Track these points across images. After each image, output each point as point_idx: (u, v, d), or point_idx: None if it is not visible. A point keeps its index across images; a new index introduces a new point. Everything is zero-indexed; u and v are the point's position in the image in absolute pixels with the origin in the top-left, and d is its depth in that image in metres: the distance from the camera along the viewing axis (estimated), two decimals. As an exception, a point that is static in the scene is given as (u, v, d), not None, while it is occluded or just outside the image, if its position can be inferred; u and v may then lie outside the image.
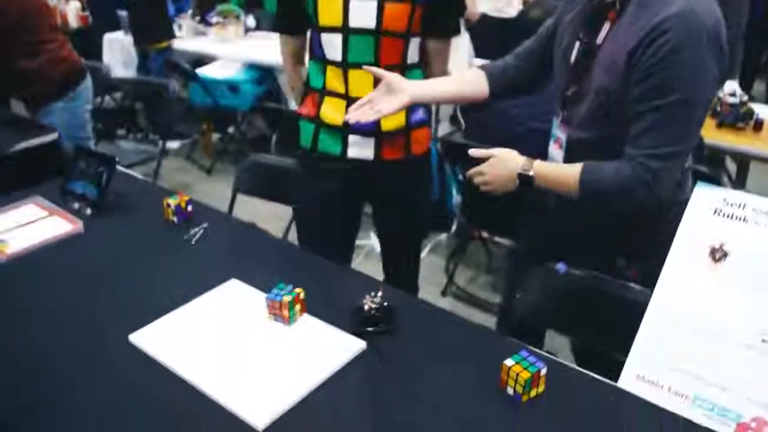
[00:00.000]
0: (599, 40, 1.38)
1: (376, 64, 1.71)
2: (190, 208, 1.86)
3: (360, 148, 1.79)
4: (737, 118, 2.92)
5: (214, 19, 4.98)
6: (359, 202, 1.97)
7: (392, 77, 1.55)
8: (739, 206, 1.25)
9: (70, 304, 1.46)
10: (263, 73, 4.49)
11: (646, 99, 1.28)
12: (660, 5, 1.27)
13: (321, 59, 1.78)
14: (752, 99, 4.11)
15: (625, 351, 1.22)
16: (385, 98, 1.53)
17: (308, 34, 1.85)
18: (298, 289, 1.37)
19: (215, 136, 5.13)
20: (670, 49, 1.24)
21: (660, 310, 1.22)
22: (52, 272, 1.60)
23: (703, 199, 1.28)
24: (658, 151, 1.29)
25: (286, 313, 1.35)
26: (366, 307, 1.33)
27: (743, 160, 3.03)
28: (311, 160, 1.87)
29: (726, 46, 1.29)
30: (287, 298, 1.35)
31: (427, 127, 1.88)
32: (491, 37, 4.49)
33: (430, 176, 1.89)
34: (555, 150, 1.53)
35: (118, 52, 5.25)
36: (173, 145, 4.89)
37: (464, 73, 1.71)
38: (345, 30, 1.70)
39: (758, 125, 2.91)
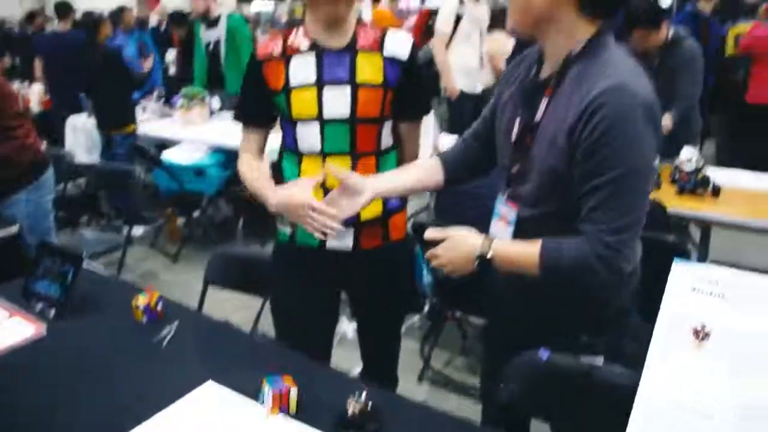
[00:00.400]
0: (538, 116, 1.41)
1: (353, 151, 1.72)
2: (159, 306, 1.80)
3: (339, 239, 1.77)
4: (696, 185, 3.00)
5: (179, 102, 5.00)
6: (337, 292, 1.94)
7: (351, 180, 1.57)
8: (717, 283, 1.25)
9: (29, 417, 1.38)
10: (229, 157, 4.49)
11: (592, 176, 1.30)
12: (593, 81, 1.30)
13: (294, 151, 1.78)
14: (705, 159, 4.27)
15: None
16: (346, 200, 1.55)
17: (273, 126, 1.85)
18: (286, 377, 1.37)
19: (180, 221, 5.07)
20: (607, 125, 1.26)
21: (649, 397, 1.20)
22: (10, 382, 1.52)
23: (681, 277, 1.28)
24: (612, 225, 1.30)
25: (293, 400, 1.35)
26: (350, 411, 1.29)
27: (705, 226, 3.10)
28: (289, 252, 1.84)
29: (659, 116, 1.33)
30: (289, 384, 1.34)
31: (403, 212, 1.88)
32: (467, 112, 4.62)
33: (408, 261, 1.88)
34: (501, 227, 1.53)
35: (82, 136, 5.23)
36: (137, 231, 4.80)
37: (422, 163, 1.73)
38: (320, 120, 1.70)
39: (716, 191, 2.99)
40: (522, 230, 1.47)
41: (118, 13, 7.02)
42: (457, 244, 1.45)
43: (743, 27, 5.66)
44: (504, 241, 1.45)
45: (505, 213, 1.52)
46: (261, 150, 1.86)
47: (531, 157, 1.42)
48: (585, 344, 1.50)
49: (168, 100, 5.44)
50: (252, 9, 17.48)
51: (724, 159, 6.07)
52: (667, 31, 3.36)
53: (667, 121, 3.29)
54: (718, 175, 3.17)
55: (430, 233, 1.49)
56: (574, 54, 1.36)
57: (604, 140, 1.27)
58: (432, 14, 6.70)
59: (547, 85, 1.41)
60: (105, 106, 4.82)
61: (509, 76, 1.58)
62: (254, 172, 1.81)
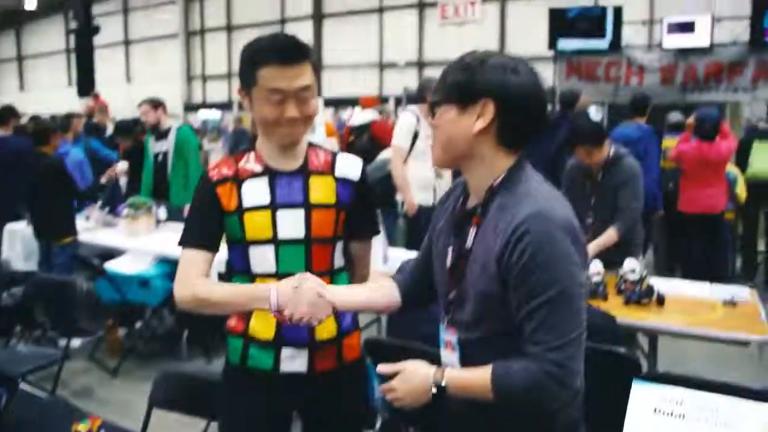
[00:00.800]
0: (468, 244, 1.47)
1: (308, 271, 1.71)
2: (102, 433, 1.69)
3: (293, 362, 1.74)
4: (641, 295, 3.08)
5: (125, 211, 4.94)
6: (289, 416, 1.86)
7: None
8: (678, 403, 1.27)
9: None
10: (175, 268, 4.39)
11: (527, 300, 1.36)
12: (513, 208, 1.38)
13: (245, 273, 1.75)
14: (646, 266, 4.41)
15: None
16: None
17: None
18: None
19: (122, 333, 4.86)
20: (531, 251, 1.33)
21: None
22: None
23: (643, 397, 1.29)
24: (556, 343, 1.34)
25: None
26: None
27: (653, 336, 3.16)
28: (239, 376, 1.78)
29: (580, 233, 1.41)
30: None
31: (357, 332, 1.87)
32: (425, 226, 4.68)
33: (362, 381, 1.83)
34: (448, 354, 1.56)
35: (19, 243, 5.08)
36: (75, 343, 4.58)
37: (378, 283, 1.75)
38: (275, 242, 1.70)
39: (661, 300, 3.08)
40: (467, 354, 1.51)
41: (68, 120, 7.00)
42: (411, 377, 1.47)
43: (671, 141, 6.04)
44: (455, 370, 1.48)
45: (448, 339, 1.56)
46: (207, 274, 1.74)
47: (466, 283, 1.48)
48: None
49: (113, 209, 5.37)
50: (199, 117, 17.84)
51: (662, 266, 6.32)
52: (609, 149, 3.56)
53: (612, 234, 3.43)
54: (660, 284, 3.27)
55: (383, 368, 1.51)
56: (496, 185, 1.44)
57: (532, 265, 1.33)
58: (352, 131, 6.95)
59: (474, 214, 1.49)
60: (45, 216, 4.72)
61: (441, 206, 1.66)
62: (216, 289, 1.69)
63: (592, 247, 3.36)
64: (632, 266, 3.18)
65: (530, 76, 1.42)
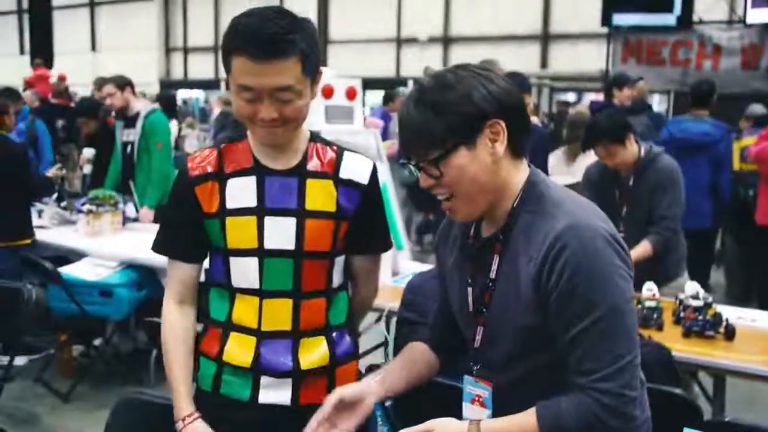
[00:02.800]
0: (492, 274, 1.53)
1: (297, 290, 1.73)
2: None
3: (274, 392, 1.74)
4: (705, 326, 3.05)
5: (85, 207, 4.96)
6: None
7: (347, 392, 1.60)
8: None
9: None
10: (144, 275, 4.42)
11: (572, 325, 1.40)
12: (545, 226, 1.44)
13: (225, 286, 1.77)
14: (710, 290, 4.38)
15: None
16: (345, 414, 1.59)
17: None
18: None
19: (76, 350, 4.89)
20: (573, 268, 1.38)
21: None
22: None
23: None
24: (607, 371, 1.38)
25: None
26: None
27: (719, 375, 3.13)
28: (212, 406, 1.79)
29: (623, 242, 1.45)
30: None
31: (354, 361, 1.87)
32: None
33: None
34: (476, 410, 1.60)
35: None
36: (19, 361, 4.61)
37: (413, 352, 1.76)
38: (260, 252, 1.71)
39: (730, 333, 3.04)
40: (503, 404, 1.53)
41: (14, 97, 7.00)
42: None
43: (750, 139, 5.97)
44: (492, 420, 1.50)
45: (478, 393, 1.59)
46: (191, 293, 1.81)
47: (495, 321, 1.52)
48: None
49: (71, 204, 5.40)
50: (178, 97, 17.94)
51: (735, 292, 6.27)
52: (638, 148, 3.54)
53: (647, 246, 3.44)
54: (730, 313, 3.24)
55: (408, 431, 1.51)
56: (517, 204, 1.50)
57: (573, 284, 1.38)
58: None
59: (494, 242, 1.53)
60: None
61: (445, 241, 1.70)
62: (177, 343, 1.79)
63: None
64: (694, 290, 3.16)
65: (501, 80, 1.50)
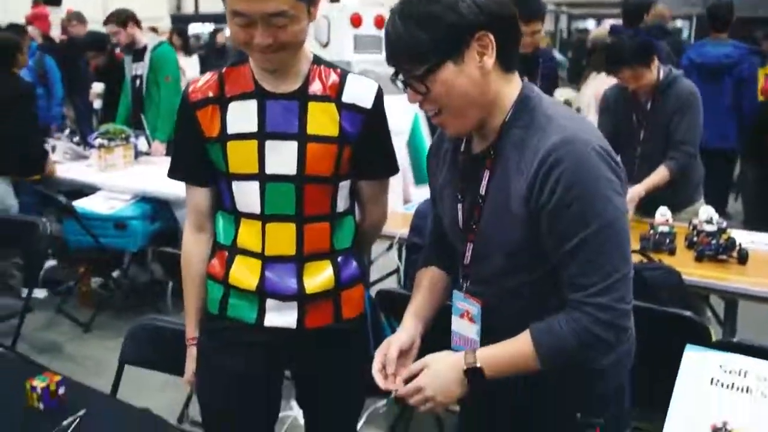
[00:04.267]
0: (482, 190, 1.51)
1: (299, 215, 1.73)
2: (62, 390, 1.76)
3: (280, 315, 1.77)
4: (718, 250, 3.05)
5: (97, 141, 4.99)
6: (279, 378, 1.91)
7: (403, 341, 1.60)
8: (740, 374, 1.27)
9: None
10: (157, 208, 4.47)
11: (565, 241, 1.40)
12: (536, 140, 1.42)
13: (231, 211, 1.78)
14: (728, 217, 4.35)
15: None
16: (401, 360, 1.58)
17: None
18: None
19: (95, 283, 4.99)
20: (565, 183, 1.37)
21: None
22: None
23: (696, 366, 1.30)
24: (601, 285, 1.39)
25: None
26: None
27: (731, 299, 3.14)
28: (219, 329, 1.83)
29: (615, 156, 1.44)
30: None
31: (360, 285, 1.89)
32: None
33: (364, 343, 1.86)
34: (465, 325, 1.61)
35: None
36: (40, 294, 4.72)
37: (427, 278, 1.75)
38: (261, 177, 1.72)
39: (743, 257, 3.03)
40: (490, 318, 1.55)
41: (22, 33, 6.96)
42: (439, 369, 1.50)
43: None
44: (488, 348, 1.51)
45: (467, 309, 1.60)
46: (209, 212, 1.85)
47: (485, 236, 1.52)
48: (580, 424, 1.54)
49: (84, 139, 5.42)
50: (190, 32, 17.72)
51: (752, 220, 6.21)
52: (658, 71, 3.49)
53: (664, 172, 3.41)
54: (744, 237, 3.23)
55: (404, 374, 1.53)
56: (508, 119, 1.48)
57: (567, 199, 1.37)
58: None
59: (485, 158, 1.51)
60: (9, 148, 4.76)
61: (436, 158, 1.69)
62: (190, 270, 1.87)
63: (642, 188, 3.36)
64: (708, 214, 3.14)
65: None
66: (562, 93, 5.40)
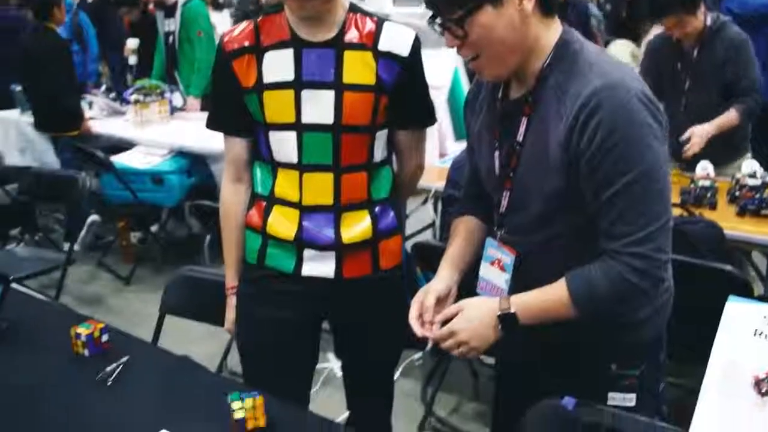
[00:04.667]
0: (519, 137, 1.49)
1: (337, 164, 1.73)
2: (105, 337, 1.80)
3: (317, 265, 1.78)
4: (761, 205, 3.00)
5: (133, 97, 5.02)
6: (317, 327, 1.94)
7: (440, 288, 1.59)
8: (787, 325, 1.26)
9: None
10: (194, 162, 4.50)
11: (604, 189, 1.38)
12: (576, 85, 1.39)
13: (269, 161, 1.79)
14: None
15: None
16: (437, 309, 1.57)
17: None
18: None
19: (134, 237, 5.07)
20: (606, 128, 1.34)
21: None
22: None
23: (739, 317, 1.29)
24: (639, 234, 1.37)
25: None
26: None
27: (773, 254, 3.10)
28: (257, 278, 1.85)
29: (658, 103, 1.41)
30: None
31: (398, 235, 1.89)
32: None
33: (402, 293, 1.87)
34: (495, 273, 1.60)
35: (14, 134, 5.24)
36: (78, 249, 4.81)
37: (463, 227, 1.74)
38: (298, 127, 1.72)
39: (788, 211, 2.97)
40: (525, 269, 1.54)
41: None
42: (474, 313, 1.50)
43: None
44: (523, 294, 1.50)
45: (499, 257, 1.59)
46: (247, 163, 1.86)
47: (521, 184, 1.50)
48: (615, 376, 1.54)
49: (120, 95, 5.46)
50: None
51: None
52: (705, 17, 3.39)
53: (733, 115, 3.30)
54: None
55: (438, 318, 1.53)
56: (547, 65, 1.45)
57: (606, 146, 1.35)
58: None
59: (523, 103, 1.48)
60: (42, 103, 4.82)
61: (473, 105, 1.66)
62: (229, 221, 1.89)
63: (711, 128, 3.26)
64: (752, 168, 3.08)
65: None
66: (624, 44, 5.30)
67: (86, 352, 1.77)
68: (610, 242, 1.40)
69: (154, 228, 4.95)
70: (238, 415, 1.45)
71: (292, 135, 1.72)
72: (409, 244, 2.34)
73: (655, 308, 1.54)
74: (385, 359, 2.01)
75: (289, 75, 1.70)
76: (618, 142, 1.34)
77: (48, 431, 1.50)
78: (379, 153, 1.81)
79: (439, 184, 3.13)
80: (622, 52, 5.08)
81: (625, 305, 1.46)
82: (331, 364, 3.27)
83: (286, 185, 1.76)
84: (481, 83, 1.63)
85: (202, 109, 5.20)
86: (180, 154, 4.49)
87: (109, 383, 1.66)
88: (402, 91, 1.75)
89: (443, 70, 3.77)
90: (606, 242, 1.41)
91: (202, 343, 2.86)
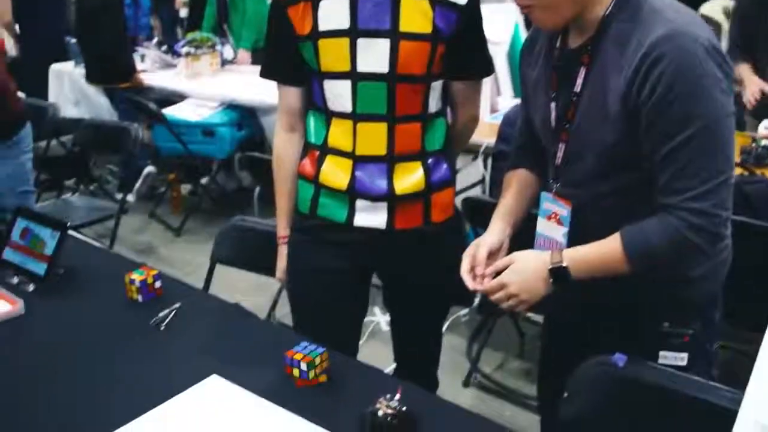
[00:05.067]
0: (577, 88, 1.45)
1: (391, 114, 1.71)
2: (158, 284, 1.83)
3: (370, 215, 1.78)
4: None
5: (184, 50, 5.05)
6: (367, 278, 1.94)
7: (493, 242, 1.58)
8: None
9: (2, 407, 1.42)
10: (244, 115, 4.53)
11: (665, 141, 1.34)
12: (639, 33, 1.34)
13: (323, 110, 1.78)
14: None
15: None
16: (489, 262, 1.56)
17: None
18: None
19: (185, 189, 5.14)
20: (669, 79, 1.30)
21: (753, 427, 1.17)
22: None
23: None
24: (699, 189, 1.33)
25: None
26: (380, 413, 1.29)
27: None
28: (309, 227, 1.85)
29: (725, 54, 1.35)
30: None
31: (451, 188, 1.87)
32: None
33: (455, 246, 1.86)
34: (552, 227, 1.57)
35: (68, 87, 5.32)
36: (133, 199, 4.90)
37: (516, 180, 1.72)
38: (353, 76, 1.70)
39: None
40: (582, 223, 1.51)
41: None
42: (525, 266, 1.48)
43: None
44: (576, 247, 1.48)
45: (555, 210, 1.56)
46: (301, 113, 1.86)
47: (578, 136, 1.46)
48: (667, 334, 1.52)
49: (171, 48, 5.49)
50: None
51: None
52: None
53: None
54: None
55: (490, 271, 1.51)
56: (609, 12, 1.39)
57: (669, 97, 1.30)
58: None
59: (582, 53, 1.44)
60: (95, 55, 4.87)
61: (529, 54, 1.62)
62: (282, 170, 1.90)
63: None
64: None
65: None
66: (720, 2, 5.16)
67: (140, 298, 1.80)
68: (668, 197, 1.36)
69: (204, 180, 5.01)
70: (303, 367, 1.46)
71: (346, 84, 1.71)
72: (458, 200, 2.32)
73: (712, 266, 1.50)
74: (434, 312, 2.01)
75: (344, 23, 1.68)
76: (681, 93, 1.30)
77: (103, 373, 1.53)
78: (434, 104, 1.78)
79: (490, 139, 3.09)
80: (715, 9, 4.94)
81: (681, 262, 1.43)
82: (377, 317, 3.30)
83: (339, 135, 1.75)
84: (538, 32, 1.59)
85: (253, 62, 5.22)
86: (230, 107, 4.52)
87: (162, 328, 1.69)
88: (459, 41, 1.72)
89: (503, 25, 3.70)
90: (664, 197, 1.37)
91: (250, 294, 2.89)
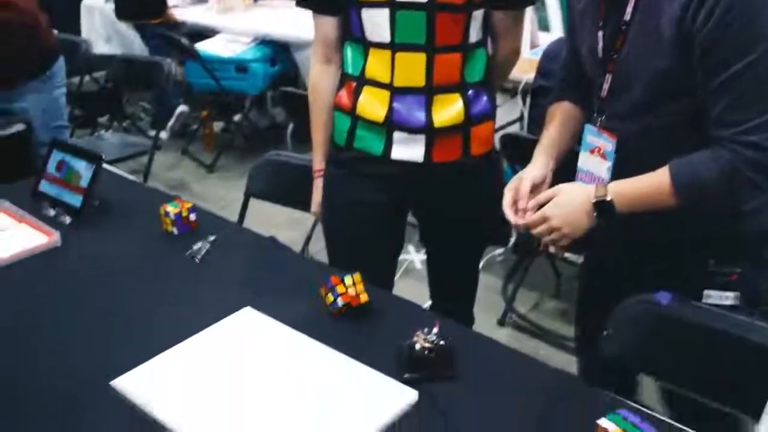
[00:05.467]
0: (627, 16, 1.40)
1: (430, 44, 1.66)
2: (193, 216, 1.83)
3: (407, 148, 1.74)
4: None
5: (216, -16, 4.99)
6: (403, 213, 1.92)
7: (536, 175, 1.55)
8: None
9: (41, 338, 1.43)
10: (277, 51, 4.48)
11: (719, 70, 1.28)
12: None
13: (360, 41, 1.73)
14: None
15: (748, 408, 1.17)
16: (531, 196, 1.53)
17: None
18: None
19: (217, 126, 5.13)
20: (726, 3, 1.24)
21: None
22: (20, 296, 1.58)
23: None
24: (756, 121, 1.28)
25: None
26: (418, 347, 1.28)
27: None
28: (345, 160, 1.83)
29: None
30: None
31: (490, 121, 1.82)
32: None
33: (493, 182, 1.83)
34: (596, 162, 1.53)
35: (99, 23, 5.29)
36: (166, 136, 4.91)
37: (559, 113, 1.68)
38: (392, 4, 1.65)
39: None
40: (627, 157, 1.47)
41: None
42: (568, 199, 1.45)
43: None
44: (620, 181, 1.44)
45: (599, 144, 1.52)
46: (337, 43, 1.82)
47: (626, 65, 1.42)
48: (713, 272, 1.48)
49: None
50: None
51: None
52: None
53: None
54: None
55: (533, 203, 1.49)
56: None
57: (726, 21, 1.25)
58: None
59: None
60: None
61: None
62: (318, 102, 1.87)
63: None
64: None
65: None
66: None
67: (175, 230, 1.81)
68: (721, 129, 1.31)
69: (237, 117, 5.00)
70: (340, 290, 1.46)
71: (385, 12, 1.66)
72: (496, 137, 2.28)
73: (766, 200, 1.45)
74: (471, 246, 1.99)
75: None
76: (738, 18, 1.24)
77: (139, 304, 1.54)
78: (475, 34, 1.73)
79: (529, 75, 3.03)
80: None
81: (732, 196, 1.39)
82: (411, 255, 3.30)
83: (377, 65, 1.71)
84: None
85: (286, -5, 5.14)
86: (263, 42, 4.47)
87: (197, 260, 1.70)
88: None
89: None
90: (716, 130, 1.32)
91: (284, 229, 2.89)
